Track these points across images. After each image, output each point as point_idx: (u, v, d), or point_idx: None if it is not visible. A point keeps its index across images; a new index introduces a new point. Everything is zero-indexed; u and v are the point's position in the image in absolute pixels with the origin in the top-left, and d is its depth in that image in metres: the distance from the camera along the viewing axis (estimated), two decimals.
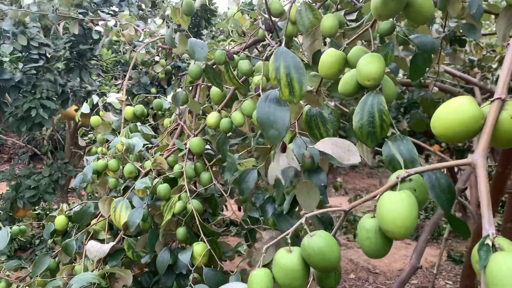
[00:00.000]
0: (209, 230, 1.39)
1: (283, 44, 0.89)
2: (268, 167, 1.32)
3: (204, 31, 3.79)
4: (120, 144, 1.64)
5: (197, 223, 1.34)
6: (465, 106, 0.59)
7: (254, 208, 1.48)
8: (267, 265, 0.97)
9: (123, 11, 2.39)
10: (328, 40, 1.57)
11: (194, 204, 1.37)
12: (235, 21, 2.03)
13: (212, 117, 1.45)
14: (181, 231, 1.38)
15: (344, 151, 0.81)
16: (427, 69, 1.33)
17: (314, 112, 1.06)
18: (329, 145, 0.80)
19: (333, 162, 0.94)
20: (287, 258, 0.62)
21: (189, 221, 1.40)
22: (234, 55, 1.58)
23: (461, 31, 2.10)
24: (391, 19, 1.22)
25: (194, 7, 1.74)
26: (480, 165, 0.56)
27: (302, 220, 0.63)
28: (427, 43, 1.24)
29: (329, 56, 0.97)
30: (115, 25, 2.36)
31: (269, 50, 1.62)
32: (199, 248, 1.29)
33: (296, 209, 1.21)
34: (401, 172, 0.60)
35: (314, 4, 1.39)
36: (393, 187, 0.60)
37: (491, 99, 0.59)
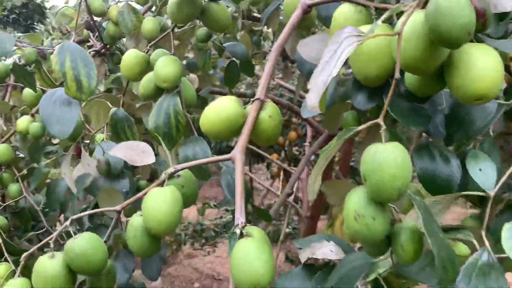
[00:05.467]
0: (15, 248, 1.24)
1: (71, 41, 0.84)
2: None
3: (40, 26, 3.45)
4: None
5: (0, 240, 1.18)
6: (226, 105, 0.62)
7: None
8: None
9: None
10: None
11: None
12: (60, 18, 1.89)
13: (23, 122, 1.31)
14: None
15: (138, 153, 0.79)
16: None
17: (120, 116, 1.03)
18: (122, 149, 0.78)
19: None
20: (48, 265, 0.58)
21: None
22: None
23: None
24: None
25: None
26: (238, 159, 0.59)
27: (67, 222, 0.59)
28: (237, 51, 1.31)
29: (131, 57, 0.95)
30: None
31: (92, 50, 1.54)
32: (2, 269, 1.13)
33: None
34: (169, 170, 0.61)
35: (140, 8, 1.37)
36: (161, 184, 0.60)
37: (252, 99, 0.63)
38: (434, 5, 0.44)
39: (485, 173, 0.50)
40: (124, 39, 1.54)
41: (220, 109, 0.62)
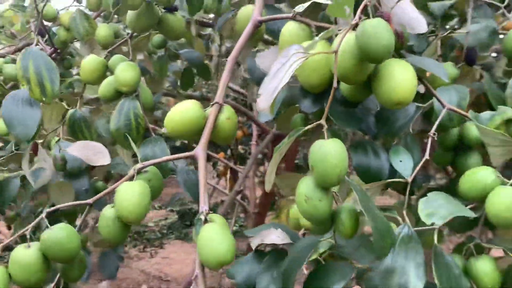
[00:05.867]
0: None
1: (33, 46, 0.88)
2: None
3: None
4: None
5: None
6: (189, 108, 0.70)
7: (26, 224, 1.37)
8: None
9: None
10: None
11: None
12: (3, 21, 1.86)
13: None
14: None
15: (95, 153, 0.85)
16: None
17: (78, 116, 1.07)
18: (79, 148, 0.83)
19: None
20: (24, 253, 0.63)
21: None
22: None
23: None
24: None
25: None
26: (201, 156, 0.67)
27: (43, 214, 0.65)
28: (194, 57, 1.39)
29: (90, 62, 1.00)
30: None
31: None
32: None
33: None
34: (137, 166, 0.68)
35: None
36: (131, 178, 0.67)
37: (212, 103, 0.72)
38: (362, 29, 0.55)
39: (404, 164, 0.62)
40: (75, 44, 1.57)
41: (184, 112, 0.70)
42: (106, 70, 1.01)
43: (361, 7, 0.57)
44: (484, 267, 0.59)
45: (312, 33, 0.72)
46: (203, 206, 0.63)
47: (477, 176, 0.59)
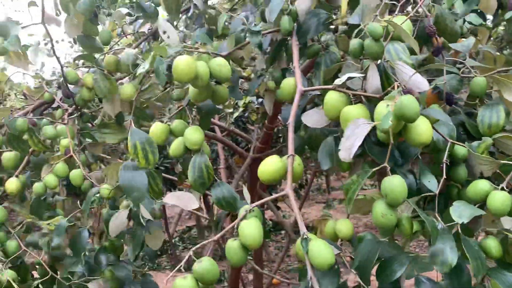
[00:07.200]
0: None
1: (132, 125, 1.12)
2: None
3: None
4: None
5: None
6: (274, 161, 0.99)
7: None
8: None
9: None
10: None
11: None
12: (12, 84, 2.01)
13: (12, 183, 1.49)
14: None
15: (187, 200, 1.10)
16: None
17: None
18: (174, 198, 1.08)
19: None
20: (184, 282, 0.87)
21: None
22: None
23: None
24: None
25: None
26: (291, 193, 0.96)
27: (190, 252, 0.89)
28: (210, 107, 1.66)
29: (157, 129, 1.24)
30: None
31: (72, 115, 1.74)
32: None
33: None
34: (247, 207, 0.95)
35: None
36: (244, 217, 0.94)
37: (288, 155, 1.00)
38: (400, 101, 0.87)
39: (431, 182, 0.95)
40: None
41: (272, 165, 0.99)
42: (169, 133, 1.26)
43: (396, 88, 0.90)
44: (492, 243, 0.93)
45: (349, 98, 1.03)
46: (303, 230, 0.92)
47: (479, 185, 0.92)
